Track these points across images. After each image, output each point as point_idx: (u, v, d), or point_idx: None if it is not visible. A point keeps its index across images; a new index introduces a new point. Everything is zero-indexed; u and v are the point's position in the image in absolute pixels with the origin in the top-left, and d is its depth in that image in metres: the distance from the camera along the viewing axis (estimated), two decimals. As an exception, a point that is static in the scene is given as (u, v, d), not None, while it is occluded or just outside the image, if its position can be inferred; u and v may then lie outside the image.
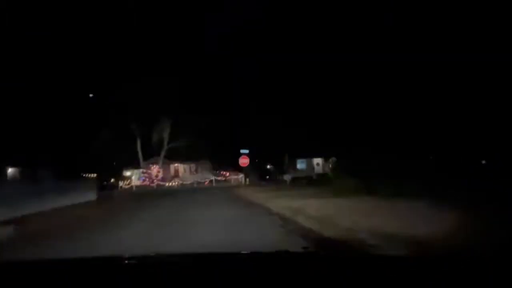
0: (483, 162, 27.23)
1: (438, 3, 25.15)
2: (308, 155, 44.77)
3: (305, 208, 10.02)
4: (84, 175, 45.74)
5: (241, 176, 34.30)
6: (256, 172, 39.97)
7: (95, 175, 48.02)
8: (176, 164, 43.66)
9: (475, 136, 25.25)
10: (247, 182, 31.59)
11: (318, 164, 45.92)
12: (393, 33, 26.65)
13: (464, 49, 23.50)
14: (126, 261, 2.18)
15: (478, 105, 24.36)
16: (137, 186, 37.80)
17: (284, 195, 15.73)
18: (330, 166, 42.99)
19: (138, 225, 9.25)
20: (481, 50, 22.89)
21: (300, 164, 45.20)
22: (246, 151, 27.67)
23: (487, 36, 23.08)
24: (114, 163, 42.80)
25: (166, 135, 40.64)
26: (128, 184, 38.22)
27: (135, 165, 42.49)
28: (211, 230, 7.66)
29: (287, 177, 29.31)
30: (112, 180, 42.76)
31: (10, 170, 40.07)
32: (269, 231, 7.20)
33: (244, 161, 27.54)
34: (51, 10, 31.28)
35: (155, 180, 39.12)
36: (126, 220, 10.48)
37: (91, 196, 20.66)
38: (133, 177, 42.29)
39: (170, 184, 38.45)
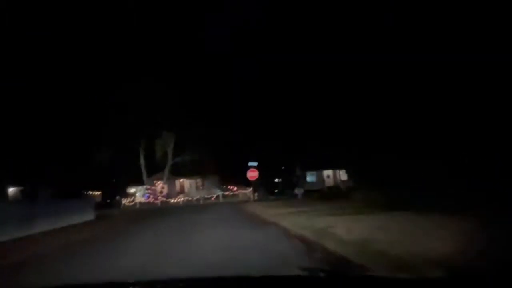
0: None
1: (438, 3, 24.39)
2: (318, 167, 43.04)
3: (331, 229, 8.31)
4: (87, 192, 44.42)
5: (249, 190, 32.57)
6: (264, 186, 38.26)
7: (99, 192, 46.77)
8: (181, 180, 42.11)
9: (478, 135, 24.63)
10: (256, 197, 29.88)
11: (328, 176, 44.17)
12: (393, 33, 25.81)
13: (464, 49, 22.76)
14: (131, 287, 2.21)
15: (479, 104, 23.72)
16: (141, 203, 36.20)
17: (300, 212, 14.01)
18: (343, 178, 41.26)
19: (130, 255, 7.63)
20: (481, 50, 22.20)
21: (310, 177, 43.46)
22: (255, 163, 26.00)
23: (487, 36, 22.41)
24: (114, 180, 41.27)
25: (170, 150, 39.15)
26: (132, 202, 36.62)
27: (139, 181, 41.01)
28: (218, 263, 6.00)
29: (298, 191, 27.51)
30: (117, 197, 41.31)
31: (11, 190, 38.79)
32: (293, 264, 5.51)
33: (252, 175, 25.84)
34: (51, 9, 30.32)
35: (159, 197, 37.53)
36: (119, 248, 8.86)
37: (89, 216, 19.11)
38: (137, 194, 40.80)
39: (176, 200, 36.83)
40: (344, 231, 7.79)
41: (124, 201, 36.71)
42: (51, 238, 11.75)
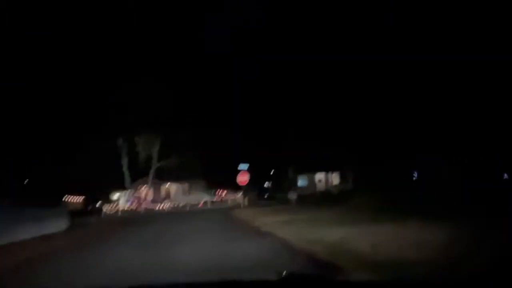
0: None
1: (438, 3, 23.79)
2: (311, 170, 41.44)
3: (347, 244, 6.57)
4: (66, 199, 41.96)
5: (239, 195, 30.71)
6: (254, 191, 36.42)
7: (81, 198, 44.33)
8: (167, 185, 39.98)
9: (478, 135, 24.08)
10: (246, 202, 28.03)
11: (320, 180, 42.63)
12: (393, 33, 25.07)
13: (464, 49, 22.18)
14: None
15: (479, 105, 23.15)
16: (124, 211, 34.04)
17: (299, 220, 12.27)
18: (335, 182, 39.79)
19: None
20: (481, 50, 21.69)
21: (302, 181, 41.82)
22: (246, 166, 24.13)
23: (487, 36, 21.92)
24: (96, 185, 38.87)
25: (155, 152, 37.04)
26: (114, 208, 34.41)
27: (122, 186, 38.76)
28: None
29: (292, 196, 25.77)
30: (99, 203, 39.07)
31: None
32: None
33: (243, 179, 23.99)
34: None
35: (143, 203, 35.41)
36: (81, 272, 6.98)
37: (60, 225, 16.97)
38: (120, 200, 38.56)
39: (161, 207, 34.74)
40: (367, 247, 6.06)
41: (106, 207, 34.50)
42: None
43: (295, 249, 7.28)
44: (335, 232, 8.11)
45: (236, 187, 29.70)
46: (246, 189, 27.45)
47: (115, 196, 39.92)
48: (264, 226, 11.91)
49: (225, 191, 36.73)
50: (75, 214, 28.65)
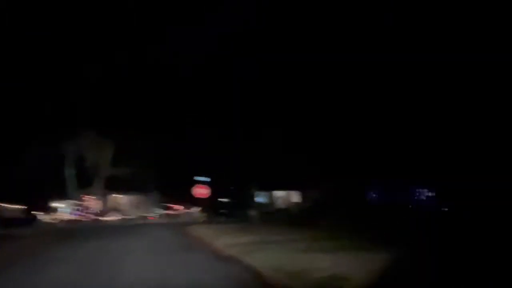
0: None
1: (438, 3, 23.79)
2: (270, 187, 40.13)
3: (345, 283, 5.00)
4: (1, 206, 37.86)
5: (195, 210, 28.63)
6: (213, 206, 34.44)
7: (18, 206, 40.20)
8: (117, 195, 37.01)
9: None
10: (204, 218, 26.05)
11: (280, 197, 41.52)
12: (393, 33, 24.85)
13: (464, 49, 22.19)
14: None
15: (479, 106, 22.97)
16: (67, 221, 30.92)
17: (267, 242, 10.59)
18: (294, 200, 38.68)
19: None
20: (481, 50, 21.76)
21: (261, 198, 40.41)
22: (205, 179, 22.27)
23: (487, 36, 22.08)
24: (37, 192, 35.26)
25: (106, 160, 34.19)
26: (54, 218, 31.18)
27: (66, 194, 35.39)
28: None
29: (252, 213, 24.14)
30: (38, 212, 35.47)
31: None
32: None
33: (200, 191, 22.09)
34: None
35: (88, 214, 32.41)
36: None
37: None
38: (64, 210, 35.19)
39: (108, 219, 31.89)
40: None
41: (45, 217, 31.23)
42: None
43: (269, 285, 5.62)
44: (321, 261, 6.51)
45: (192, 202, 27.71)
46: (205, 204, 25.54)
47: (58, 204, 36.45)
48: (227, 248, 10.15)
49: (181, 206, 34.52)
50: (8, 224, 25.40)
